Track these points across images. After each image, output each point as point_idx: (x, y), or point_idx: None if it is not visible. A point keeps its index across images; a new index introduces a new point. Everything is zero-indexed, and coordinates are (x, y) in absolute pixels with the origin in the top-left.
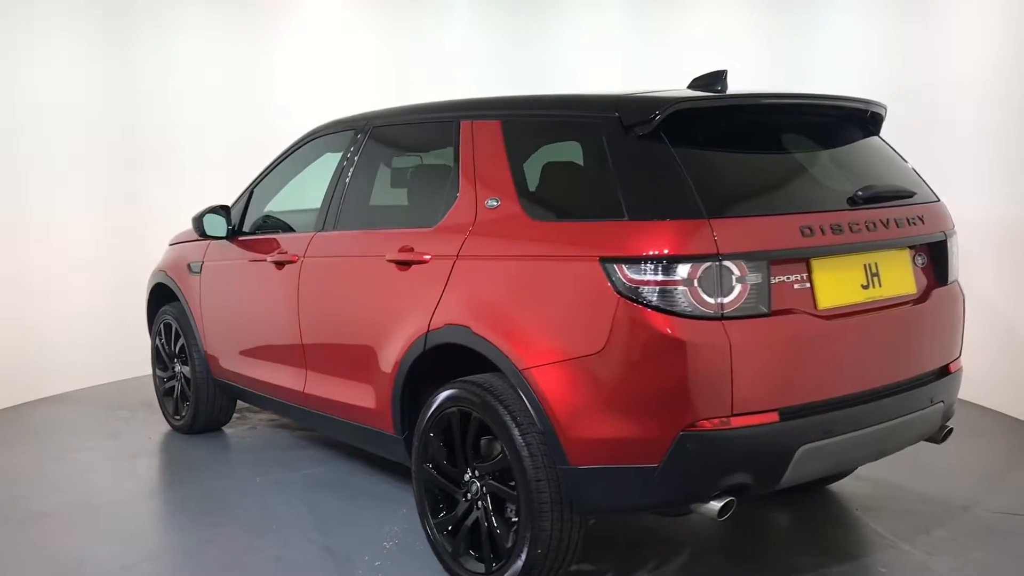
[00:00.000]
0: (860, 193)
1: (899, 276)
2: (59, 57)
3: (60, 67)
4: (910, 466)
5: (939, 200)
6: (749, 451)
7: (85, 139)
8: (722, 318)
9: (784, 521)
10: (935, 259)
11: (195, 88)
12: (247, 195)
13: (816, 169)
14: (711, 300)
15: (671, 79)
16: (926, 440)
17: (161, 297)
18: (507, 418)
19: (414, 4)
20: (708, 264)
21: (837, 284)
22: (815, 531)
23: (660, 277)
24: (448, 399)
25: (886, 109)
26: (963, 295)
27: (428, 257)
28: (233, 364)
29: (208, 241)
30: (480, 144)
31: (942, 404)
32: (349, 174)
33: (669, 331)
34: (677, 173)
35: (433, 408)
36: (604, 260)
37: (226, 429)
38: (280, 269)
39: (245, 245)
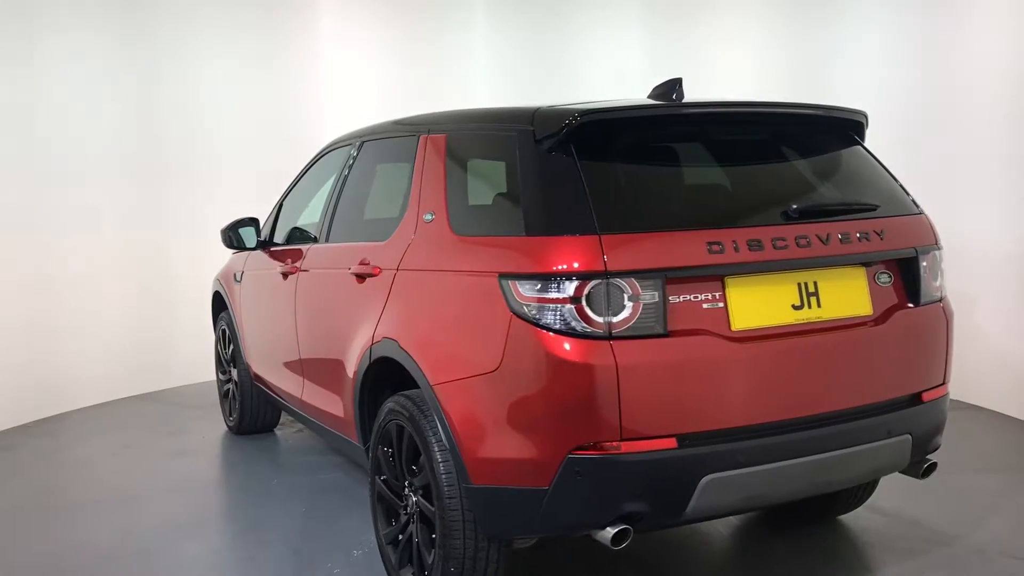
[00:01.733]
0: (794, 207)
1: (847, 296)
2: (83, 72)
3: (84, 83)
4: (939, 498)
5: (920, 213)
6: (643, 478)
7: (108, 153)
8: (611, 338)
9: (779, 551)
10: (905, 278)
11: (217, 102)
12: (277, 206)
13: (748, 183)
14: (599, 319)
15: (689, 89)
16: (907, 475)
17: (219, 304)
18: (429, 434)
19: (432, 17)
20: (596, 282)
21: (758, 304)
22: (807, 566)
23: (548, 295)
24: (387, 412)
25: (865, 116)
26: (948, 316)
27: (379, 270)
28: (261, 369)
29: (248, 252)
30: (429, 158)
31: (909, 437)
32: (340, 188)
33: (554, 350)
34: (577, 187)
35: (379, 420)
36: (501, 277)
37: (277, 431)
38: (285, 280)
39: (271, 256)
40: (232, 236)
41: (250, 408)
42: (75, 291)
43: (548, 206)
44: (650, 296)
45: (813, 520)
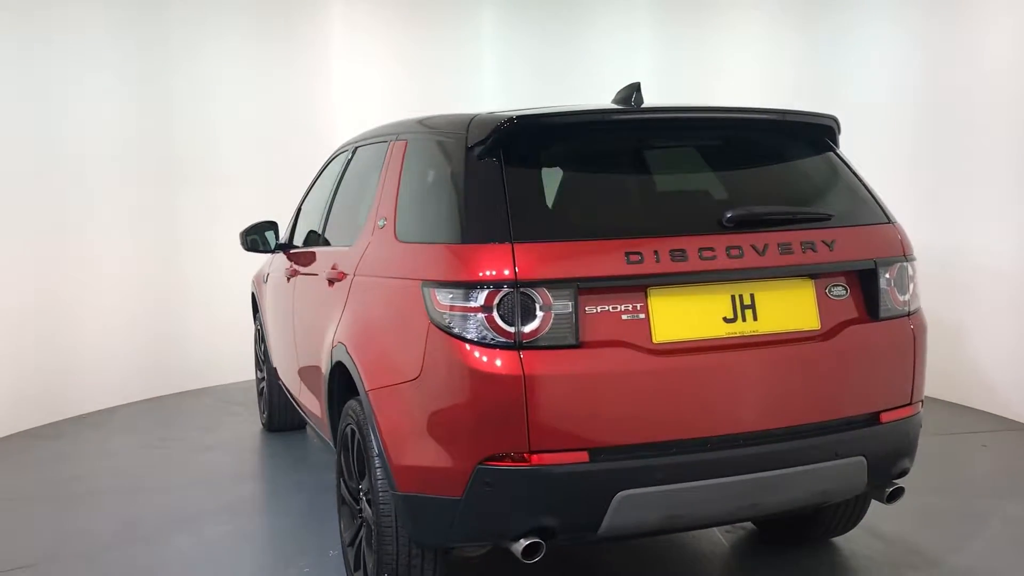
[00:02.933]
0: (729, 215)
1: (790, 309)
2: (95, 81)
3: (96, 91)
4: (949, 524)
5: (888, 223)
6: (553, 492)
7: (120, 159)
8: (520, 347)
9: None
10: (865, 291)
11: (228, 105)
12: (297, 208)
13: (686, 191)
14: (510, 329)
15: (695, 92)
16: (876, 500)
17: (254, 305)
18: (370, 439)
19: (441, 21)
20: (507, 291)
21: (684, 316)
22: None
23: (460, 303)
24: (344, 416)
25: (835, 120)
26: (918, 332)
27: (343, 275)
28: (279, 368)
29: (274, 254)
30: (390, 164)
31: (863, 459)
32: (334, 192)
33: (465, 360)
34: (497, 195)
35: (340, 424)
36: (423, 284)
37: (308, 429)
38: (288, 283)
39: (285, 258)
40: (248, 239)
41: (277, 406)
42: (123, 287)
43: (470, 214)
44: (562, 306)
45: (801, 541)
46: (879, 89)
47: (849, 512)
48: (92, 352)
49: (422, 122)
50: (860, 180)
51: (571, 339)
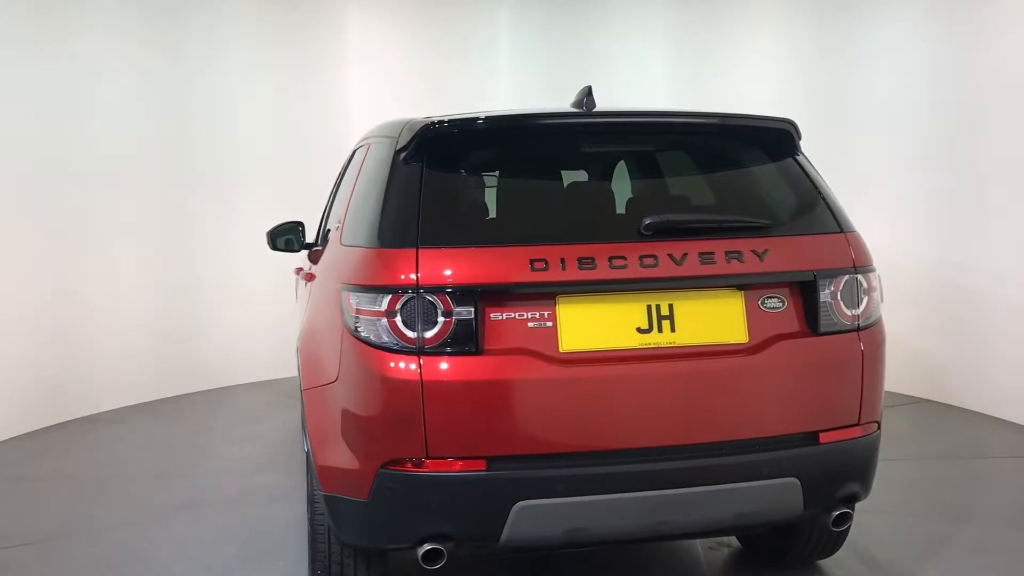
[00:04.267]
0: (647, 223)
1: (714, 321)
2: (114, 83)
3: (114, 93)
4: (948, 553)
5: (840, 232)
6: (450, 499)
7: (138, 160)
8: (420, 353)
9: None
10: (806, 303)
11: (245, 110)
12: (325, 208)
13: (606, 198)
14: (411, 334)
15: (709, 97)
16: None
17: None
18: (304, 438)
19: (456, 24)
20: (408, 296)
21: (594, 325)
22: None
23: (366, 307)
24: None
25: (792, 125)
26: (868, 348)
27: (311, 276)
28: None
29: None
30: (354, 168)
31: (796, 481)
32: (334, 194)
33: (369, 364)
34: (412, 200)
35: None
36: (342, 288)
37: None
38: (299, 279)
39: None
40: (272, 239)
41: None
42: (214, 282)
43: (384, 218)
44: (463, 313)
45: (780, 562)
46: (895, 92)
47: (824, 535)
48: (158, 343)
49: (383, 125)
50: (817, 188)
51: (472, 346)
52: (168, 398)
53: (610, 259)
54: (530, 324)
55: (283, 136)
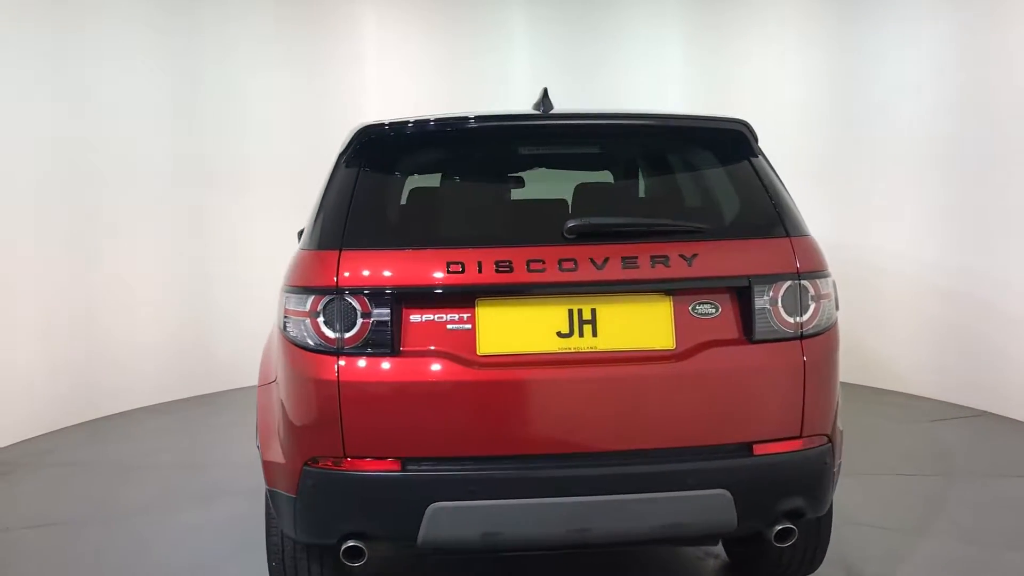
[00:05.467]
0: (570, 226)
1: (638, 326)
2: (130, 81)
3: (131, 91)
4: (945, 571)
5: (786, 236)
6: (366, 498)
7: (154, 160)
8: (339, 354)
9: None
10: (742, 310)
11: (261, 109)
12: None
13: (534, 201)
14: (332, 335)
15: (725, 90)
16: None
17: None
18: (255, 434)
19: (473, 24)
20: (330, 297)
21: (513, 329)
22: None
23: (294, 308)
24: None
25: (743, 125)
26: (811, 358)
27: None
28: None
29: None
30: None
31: (727, 493)
32: None
33: (294, 363)
34: (343, 202)
35: None
36: (281, 289)
37: None
38: None
39: None
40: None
41: None
42: (237, 281)
43: (319, 221)
44: (381, 314)
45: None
46: (913, 91)
47: (800, 550)
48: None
49: (350, 129)
50: (768, 191)
51: (389, 347)
52: (209, 394)
53: (528, 263)
54: (449, 327)
55: (300, 135)
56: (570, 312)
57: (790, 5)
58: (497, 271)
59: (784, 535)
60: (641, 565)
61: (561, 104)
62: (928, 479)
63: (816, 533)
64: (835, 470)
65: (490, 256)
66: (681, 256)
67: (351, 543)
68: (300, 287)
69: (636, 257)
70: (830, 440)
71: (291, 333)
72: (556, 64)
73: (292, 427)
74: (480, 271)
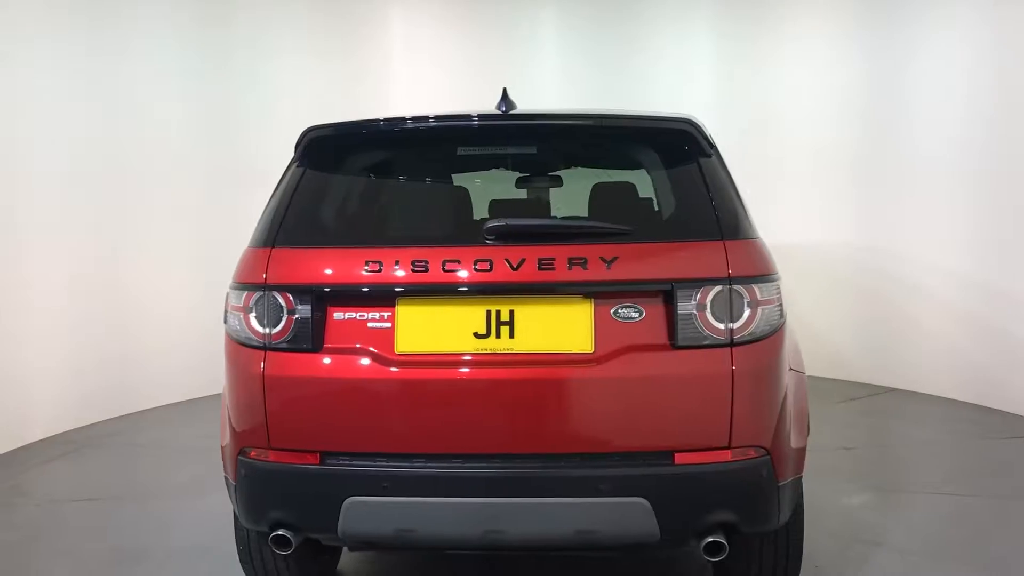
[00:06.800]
0: (487, 228)
1: (556, 329)
2: (160, 80)
3: (161, 91)
4: None
5: (721, 239)
6: (288, 490)
7: (183, 156)
8: (265, 348)
9: None
10: (668, 314)
11: (290, 109)
12: None
13: (459, 201)
14: (261, 330)
15: (749, 110)
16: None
17: None
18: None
19: (499, 23)
20: (259, 294)
21: (431, 328)
22: None
23: (231, 303)
24: None
25: (690, 124)
26: (742, 365)
27: None
28: None
29: None
30: None
31: (644, 501)
32: None
33: (229, 356)
34: (284, 201)
35: None
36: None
37: None
38: None
39: None
40: None
41: None
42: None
43: (264, 218)
44: (303, 311)
45: None
46: (950, 96)
47: (769, 566)
48: None
49: None
50: (709, 192)
51: (310, 343)
52: None
53: (443, 263)
54: (370, 325)
55: None
56: (488, 313)
57: (823, 2)
58: (414, 271)
59: (713, 550)
60: (636, 569)
61: (576, 104)
62: (966, 499)
63: (778, 549)
64: (784, 484)
65: (408, 256)
66: (601, 259)
67: (280, 532)
68: (238, 283)
69: (553, 259)
70: (769, 453)
71: (230, 327)
72: (584, 57)
73: (229, 418)
74: (398, 270)
